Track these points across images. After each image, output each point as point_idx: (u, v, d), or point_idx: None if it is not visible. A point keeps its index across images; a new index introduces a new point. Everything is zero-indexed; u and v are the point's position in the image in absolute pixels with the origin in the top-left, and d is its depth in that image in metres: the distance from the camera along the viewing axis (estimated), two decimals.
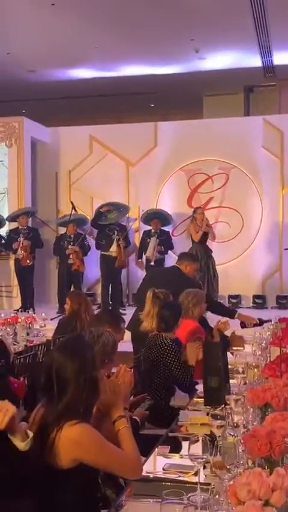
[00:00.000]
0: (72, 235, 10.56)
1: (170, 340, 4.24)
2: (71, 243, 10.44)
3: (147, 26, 9.77)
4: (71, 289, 10.13)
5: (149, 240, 10.53)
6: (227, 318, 5.37)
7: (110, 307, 10.14)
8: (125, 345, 4.95)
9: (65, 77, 12.31)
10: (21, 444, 2.05)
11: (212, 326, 5.45)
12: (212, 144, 10.99)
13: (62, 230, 11.08)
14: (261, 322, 5.44)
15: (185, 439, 2.60)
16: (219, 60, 11.36)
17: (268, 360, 3.72)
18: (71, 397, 2.25)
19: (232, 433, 2.27)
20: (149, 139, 11.47)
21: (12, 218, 10.93)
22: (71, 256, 10.35)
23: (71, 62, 11.45)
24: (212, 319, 6.09)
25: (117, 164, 11.60)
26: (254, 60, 11.42)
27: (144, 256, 10.64)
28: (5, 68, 11.45)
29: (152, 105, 13.98)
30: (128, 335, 5.30)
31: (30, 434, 2.10)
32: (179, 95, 12.90)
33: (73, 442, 2.17)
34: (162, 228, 10.72)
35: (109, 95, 13.08)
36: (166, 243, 10.58)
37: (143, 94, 13.11)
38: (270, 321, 5.32)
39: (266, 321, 5.43)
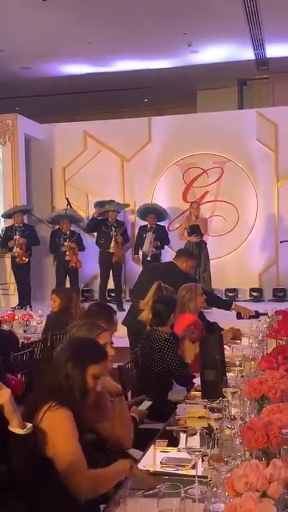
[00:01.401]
0: (67, 232, 10.56)
1: (166, 334, 4.25)
2: (67, 240, 10.44)
3: (140, 20, 9.75)
4: (68, 286, 10.17)
5: (145, 235, 10.53)
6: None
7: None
8: (122, 340, 4.96)
9: (58, 73, 12.28)
10: (20, 430, 2.06)
11: (211, 320, 5.48)
12: (207, 138, 10.98)
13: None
14: (257, 315, 5.45)
15: (183, 432, 2.60)
16: (212, 53, 11.34)
17: (265, 352, 3.74)
18: (54, 380, 2.33)
19: (229, 426, 2.27)
20: (143, 134, 11.46)
21: (7, 216, 10.91)
22: (67, 253, 10.35)
23: (63, 58, 11.42)
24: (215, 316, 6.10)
25: (111, 160, 11.58)
26: (247, 53, 11.40)
27: (140, 252, 10.64)
28: None
29: (146, 100, 13.96)
30: (124, 330, 5.32)
31: (29, 425, 2.11)
32: (173, 90, 12.87)
33: (51, 424, 2.21)
34: (158, 223, 10.72)
35: (102, 91, 13.04)
36: (162, 238, 10.58)
37: (137, 89, 13.08)
38: (267, 314, 5.32)
39: (263, 314, 5.44)
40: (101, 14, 9.47)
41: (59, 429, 2.22)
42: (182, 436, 2.52)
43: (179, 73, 12.17)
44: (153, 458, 2.55)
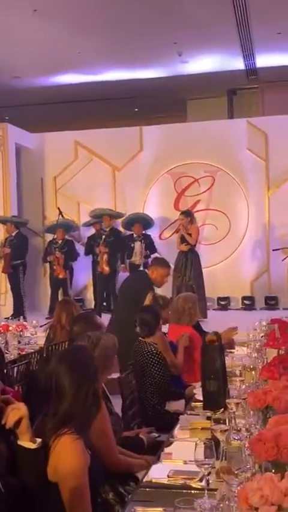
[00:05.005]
0: (60, 241, 10.55)
1: (153, 347, 4.23)
2: (57, 249, 10.41)
3: (130, 30, 9.78)
4: (59, 296, 10.16)
5: (133, 244, 10.50)
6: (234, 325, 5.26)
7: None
8: None
9: (48, 83, 12.29)
10: (31, 444, 2.03)
11: (207, 330, 5.44)
12: (197, 147, 11.02)
13: (50, 236, 11.07)
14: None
15: (188, 444, 2.58)
16: (202, 63, 11.40)
17: (265, 361, 3.72)
18: (68, 409, 2.22)
19: (236, 438, 2.25)
20: (134, 143, 11.47)
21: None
22: (54, 262, 10.35)
23: (54, 67, 11.43)
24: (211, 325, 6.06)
25: (103, 169, 11.58)
26: (237, 63, 11.48)
27: (127, 261, 10.60)
28: None
29: (136, 110, 14.00)
30: None
31: (38, 440, 2.08)
32: (163, 99, 12.93)
33: (63, 454, 2.13)
34: (144, 232, 10.69)
35: (93, 100, 13.07)
36: (150, 247, 10.57)
37: (127, 98, 13.12)
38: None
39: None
40: (91, 24, 9.50)
41: (75, 467, 2.14)
42: (187, 448, 2.49)
43: (169, 83, 12.23)
44: (160, 471, 2.52)
